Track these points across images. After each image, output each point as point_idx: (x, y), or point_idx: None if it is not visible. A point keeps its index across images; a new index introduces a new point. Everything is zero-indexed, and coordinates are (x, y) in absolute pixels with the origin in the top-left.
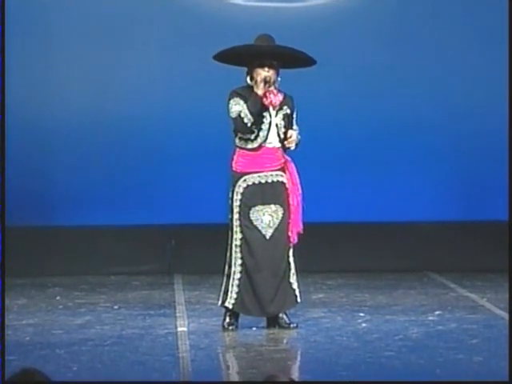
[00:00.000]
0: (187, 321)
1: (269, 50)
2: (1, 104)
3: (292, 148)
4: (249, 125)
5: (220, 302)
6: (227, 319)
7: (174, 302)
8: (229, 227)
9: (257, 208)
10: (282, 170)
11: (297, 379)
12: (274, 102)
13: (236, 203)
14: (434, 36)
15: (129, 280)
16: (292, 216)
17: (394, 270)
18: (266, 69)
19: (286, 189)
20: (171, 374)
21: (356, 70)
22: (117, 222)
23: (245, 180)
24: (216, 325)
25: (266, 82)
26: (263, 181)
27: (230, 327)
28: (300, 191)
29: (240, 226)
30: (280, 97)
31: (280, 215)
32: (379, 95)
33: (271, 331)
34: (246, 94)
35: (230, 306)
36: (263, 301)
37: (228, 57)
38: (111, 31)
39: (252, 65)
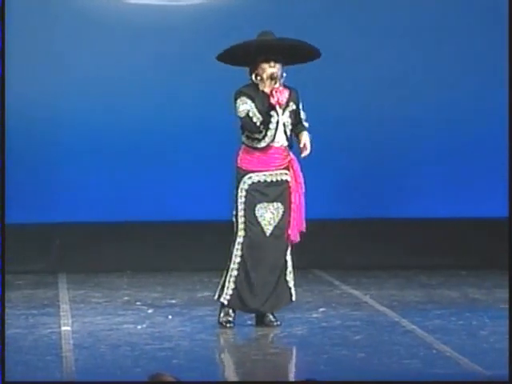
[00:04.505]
0: (71, 320)
1: (274, 43)
2: (1, 106)
3: (307, 154)
4: (258, 124)
5: (216, 297)
6: (222, 315)
7: (58, 301)
8: (234, 224)
9: (261, 205)
10: (287, 168)
11: (181, 378)
12: (280, 100)
13: (241, 200)
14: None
15: (12, 279)
16: (293, 214)
17: None
18: (272, 63)
19: (289, 187)
20: (55, 373)
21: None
22: None
23: (250, 177)
24: (101, 324)
25: (272, 78)
26: (268, 179)
27: (228, 325)
28: (303, 190)
29: (244, 222)
30: (286, 94)
31: (281, 212)
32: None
33: (157, 329)
34: (252, 92)
35: (225, 302)
36: (260, 298)
37: (231, 55)
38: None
39: (256, 61)
